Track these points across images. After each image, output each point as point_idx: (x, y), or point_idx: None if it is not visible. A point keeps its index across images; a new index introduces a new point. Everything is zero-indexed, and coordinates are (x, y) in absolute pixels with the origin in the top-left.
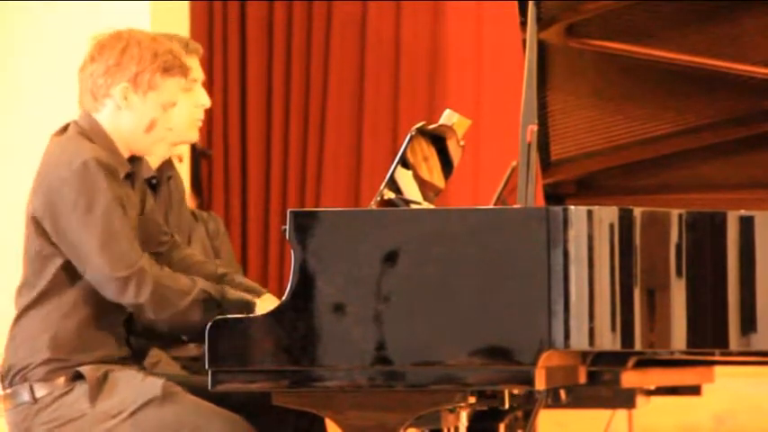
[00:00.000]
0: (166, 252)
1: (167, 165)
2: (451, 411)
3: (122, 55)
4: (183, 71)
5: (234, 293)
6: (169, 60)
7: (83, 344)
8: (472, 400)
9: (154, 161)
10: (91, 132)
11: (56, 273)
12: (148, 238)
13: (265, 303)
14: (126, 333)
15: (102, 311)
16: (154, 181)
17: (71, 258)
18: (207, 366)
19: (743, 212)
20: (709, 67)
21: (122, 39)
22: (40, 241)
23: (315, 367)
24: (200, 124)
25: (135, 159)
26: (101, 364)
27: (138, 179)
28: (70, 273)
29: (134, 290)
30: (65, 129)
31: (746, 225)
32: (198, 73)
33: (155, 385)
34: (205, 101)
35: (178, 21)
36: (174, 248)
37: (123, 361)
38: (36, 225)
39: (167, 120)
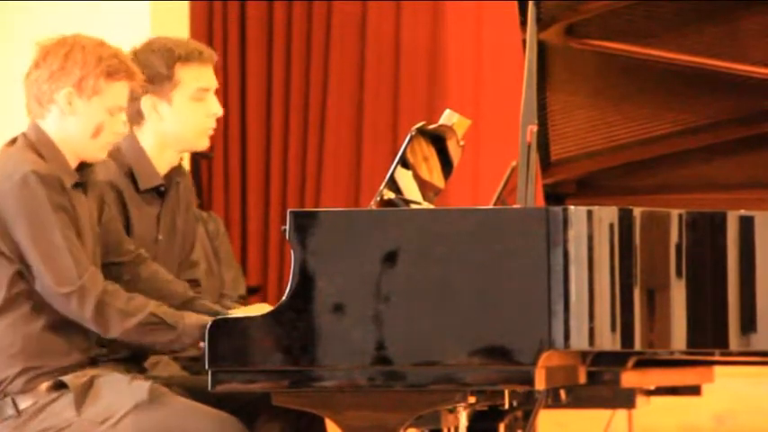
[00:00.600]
0: (133, 267)
1: (176, 171)
2: (451, 411)
3: (66, 60)
4: (129, 75)
5: (193, 317)
6: (114, 65)
7: (53, 346)
8: (472, 399)
9: (162, 168)
10: (38, 143)
11: (11, 281)
12: (107, 248)
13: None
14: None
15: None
16: (162, 188)
17: (23, 270)
18: (207, 366)
19: (743, 212)
20: (709, 67)
21: (66, 44)
22: None
23: (315, 367)
24: (210, 132)
25: (86, 166)
26: (80, 368)
27: (91, 187)
28: (25, 279)
29: (76, 306)
30: (14, 141)
31: (746, 225)
32: (212, 81)
33: (141, 389)
34: (217, 110)
35: (178, 21)
36: (141, 263)
37: (102, 361)
38: None
39: (114, 124)
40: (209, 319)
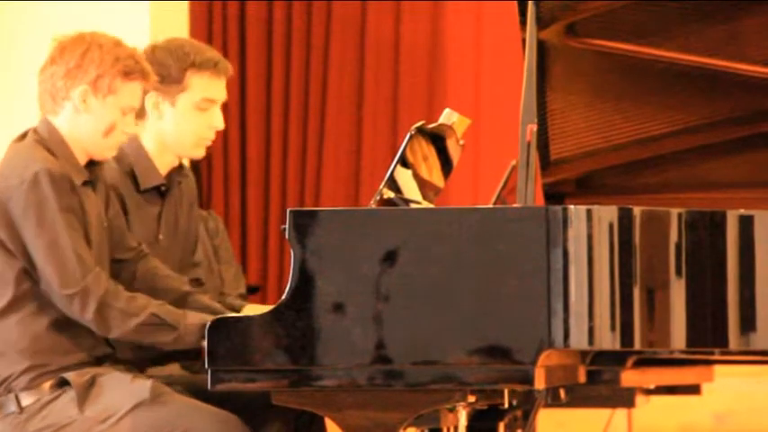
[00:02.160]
0: (133, 262)
1: (178, 171)
2: (451, 410)
3: (83, 58)
4: (144, 76)
5: (196, 317)
6: (130, 65)
7: (60, 345)
8: (472, 399)
9: (163, 168)
10: (49, 140)
11: (18, 278)
12: (111, 245)
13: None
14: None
15: None
16: (163, 188)
17: (29, 269)
18: (207, 366)
19: (742, 212)
20: (709, 66)
21: (84, 41)
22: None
23: (314, 366)
24: (208, 143)
25: (95, 164)
26: (85, 366)
27: (100, 184)
28: (33, 276)
29: (78, 307)
30: (24, 135)
31: (746, 224)
32: (220, 94)
33: (143, 387)
34: (219, 123)
35: (178, 21)
36: (141, 259)
37: (107, 360)
38: None
39: (126, 124)
40: (210, 318)
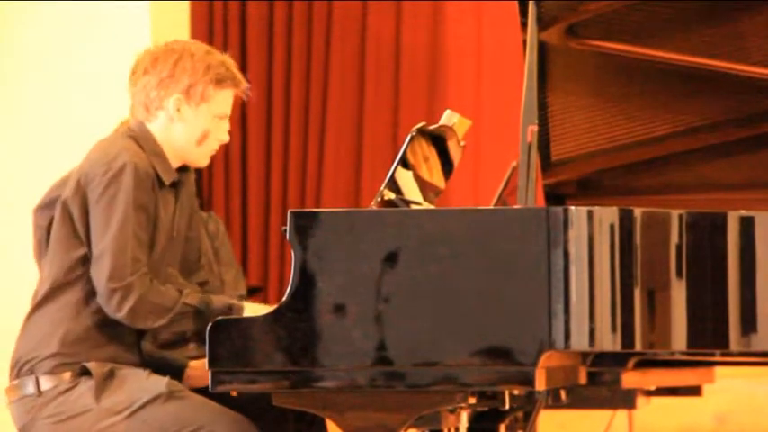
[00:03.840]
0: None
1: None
2: (452, 412)
3: (175, 67)
4: (236, 83)
5: (219, 300)
6: (222, 72)
7: (93, 343)
8: (472, 400)
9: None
10: (141, 137)
11: (74, 264)
12: (184, 260)
13: (254, 307)
14: (137, 338)
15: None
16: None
17: (89, 253)
18: (207, 367)
19: (743, 212)
20: (709, 67)
21: (176, 51)
22: (65, 229)
23: (315, 368)
24: (212, 153)
25: (185, 171)
26: (107, 361)
27: (184, 194)
28: (85, 266)
29: (116, 302)
30: (116, 131)
31: (746, 225)
32: (230, 109)
33: (160, 382)
34: (225, 137)
35: (178, 21)
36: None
37: (131, 363)
38: (64, 211)
39: (219, 131)
40: (231, 301)
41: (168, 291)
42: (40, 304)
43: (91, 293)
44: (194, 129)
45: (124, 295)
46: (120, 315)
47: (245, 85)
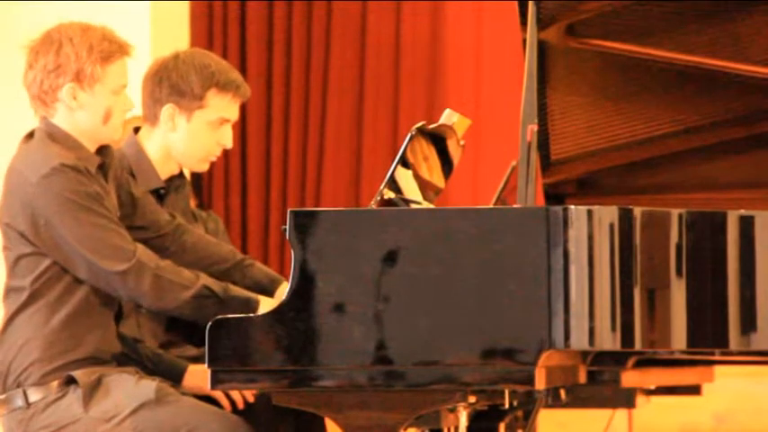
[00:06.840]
0: (177, 236)
1: (177, 177)
2: (451, 411)
3: (58, 56)
4: (124, 51)
5: (238, 291)
6: (105, 48)
7: (73, 339)
8: (472, 399)
9: (164, 174)
10: (56, 136)
11: (41, 273)
12: (146, 223)
13: (270, 302)
14: (116, 328)
15: (90, 306)
16: (162, 191)
17: (60, 261)
18: (207, 366)
19: (743, 212)
20: (709, 66)
21: (53, 40)
22: (20, 246)
23: (315, 367)
24: (214, 159)
25: (103, 149)
26: (94, 365)
27: (111, 169)
28: (56, 272)
29: (134, 282)
30: (31, 135)
31: (746, 225)
32: (234, 115)
33: (148, 388)
34: (228, 142)
35: (178, 21)
36: (185, 232)
37: (117, 359)
38: (12, 231)
39: (122, 103)
40: (250, 294)
41: (182, 270)
42: (15, 315)
43: (59, 296)
44: (96, 111)
45: (138, 273)
46: (144, 291)
47: (131, 47)
